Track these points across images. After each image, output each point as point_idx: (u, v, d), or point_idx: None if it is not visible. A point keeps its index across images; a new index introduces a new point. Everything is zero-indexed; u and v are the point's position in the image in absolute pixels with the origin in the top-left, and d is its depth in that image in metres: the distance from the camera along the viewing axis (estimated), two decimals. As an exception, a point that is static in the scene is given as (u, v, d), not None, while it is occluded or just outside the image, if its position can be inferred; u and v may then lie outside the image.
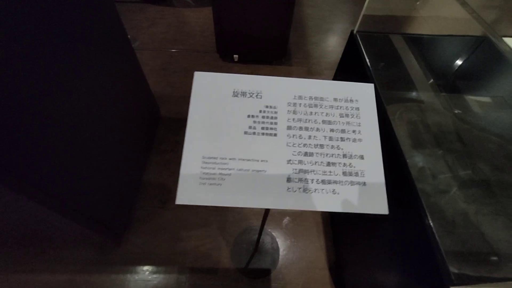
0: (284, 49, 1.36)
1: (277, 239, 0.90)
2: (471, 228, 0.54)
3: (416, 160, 0.65)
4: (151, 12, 1.70)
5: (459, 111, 0.75)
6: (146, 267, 0.83)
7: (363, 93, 0.34)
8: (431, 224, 0.38)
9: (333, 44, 1.57)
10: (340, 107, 0.33)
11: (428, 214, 0.40)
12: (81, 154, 0.60)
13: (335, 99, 0.33)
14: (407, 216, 0.45)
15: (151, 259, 0.84)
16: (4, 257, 0.81)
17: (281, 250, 0.89)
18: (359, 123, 0.33)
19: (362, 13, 0.75)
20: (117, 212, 0.83)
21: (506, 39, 0.67)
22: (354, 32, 0.76)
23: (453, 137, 0.70)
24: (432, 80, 0.79)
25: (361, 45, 0.71)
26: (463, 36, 0.78)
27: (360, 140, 0.32)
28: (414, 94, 0.80)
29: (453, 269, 0.38)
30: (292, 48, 1.52)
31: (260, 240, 0.82)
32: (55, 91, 0.48)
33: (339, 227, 0.84)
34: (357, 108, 0.33)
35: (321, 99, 0.33)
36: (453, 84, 0.83)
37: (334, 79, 0.96)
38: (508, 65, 0.72)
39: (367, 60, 0.66)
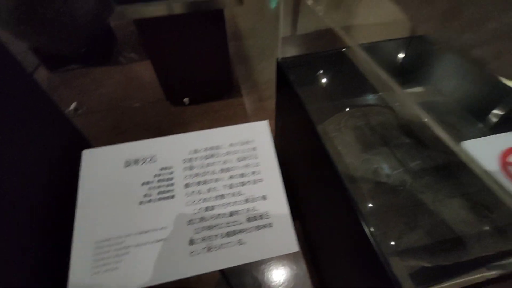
0: (230, 82, 1.40)
1: (259, 277, 0.86)
2: (433, 217, 0.54)
3: (369, 162, 0.66)
4: (97, 74, 1.71)
5: (399, 107, 0.78)
6: None
7: (258, 132, 0.34)
8: (369, 230, 0.37)
9: (277, 68, 1.63)
10: (237, 151, 0.33)
11: (362, 220, 0.39)
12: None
13: (231, 145, 0.33)
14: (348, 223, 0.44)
15: None
16: None
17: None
18: (258, 162, 0.33)
19: (280, 36, 0.79)
20: None
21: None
22: (278, 59, 0.79)
23: (397, 133, 0.72)
24: (369, 84, 0.83)
25: (287, 72, 0.73)
26: (389, 40, 0.83)
27: (260, 180, 0.32)
28: (355, 100, 0.83)
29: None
30: (240, 79, 1.57)
31: (241, 283, 0.77)
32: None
33: (318, 252, 0.82)
34: (254, 148, 0.34)
35: (217, 147, 0.33)
36: (389, 83, 0.86)
37: (277, 104, 0.98)
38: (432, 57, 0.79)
39: (295, 87, 0.67)
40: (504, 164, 0.22)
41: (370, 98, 0.83)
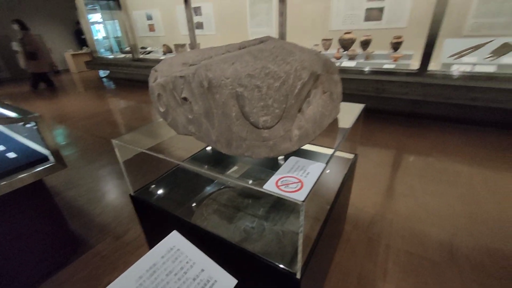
0: (73, 240, 1.24)
1: None
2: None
3: (237, 228, 0.88)
4: None
5: (232, 183, 1.07)
6: None
7: (175, 239, 0.48)
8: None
9: (120, 203, 1.61)
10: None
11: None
12: None
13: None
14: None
15: None
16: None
17: None
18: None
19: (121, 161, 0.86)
20: None
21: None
22: (131, 194, 0.90)
23: (241, 198, 1.00)
24: (208, 178, 1.08)
25: (144, 200, 0.86)
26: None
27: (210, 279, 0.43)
28: (205, 193, 1.06)
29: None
30: (84, 234, 1.38)
31: None
32: None
33: None
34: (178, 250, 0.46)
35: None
36: (214, 173, 1.14)
37: (144, 231, 1.02)
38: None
39: (157, 206, 0.81)
40: (278, 186, 0.53)
41: (213, 186, 1.11)
